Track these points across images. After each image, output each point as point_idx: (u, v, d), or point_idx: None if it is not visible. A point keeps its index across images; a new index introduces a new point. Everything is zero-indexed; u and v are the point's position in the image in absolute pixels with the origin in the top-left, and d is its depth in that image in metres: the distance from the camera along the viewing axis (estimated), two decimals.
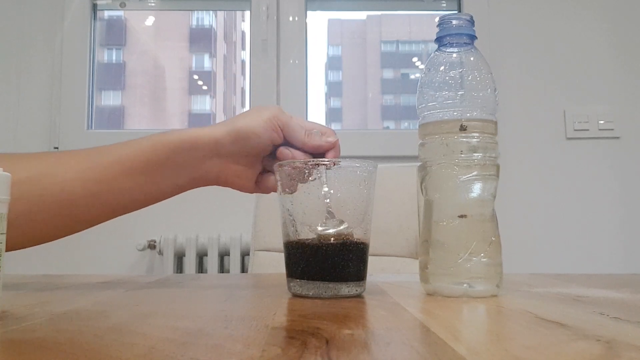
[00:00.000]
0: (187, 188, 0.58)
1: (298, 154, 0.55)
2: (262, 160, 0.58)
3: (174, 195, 0.59)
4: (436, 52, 0.51)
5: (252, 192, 0.60)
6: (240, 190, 0.59)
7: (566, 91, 1.80)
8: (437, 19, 0.51)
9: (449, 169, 0.47)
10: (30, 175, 0.53)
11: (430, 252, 0.48)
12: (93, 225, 0.59)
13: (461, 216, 0.47)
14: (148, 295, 0.50)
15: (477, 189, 0.47)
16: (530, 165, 1.77)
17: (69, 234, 0.58)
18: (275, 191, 0.52)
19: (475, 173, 0.47)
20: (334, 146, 0.55)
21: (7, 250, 0.52)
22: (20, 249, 0.55)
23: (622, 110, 1.78)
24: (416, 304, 0.44)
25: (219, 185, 0.59)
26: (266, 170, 0.58)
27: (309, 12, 1.88)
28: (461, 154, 0.47)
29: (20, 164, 0.54)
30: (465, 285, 0.46)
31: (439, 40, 0.51)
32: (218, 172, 0.56)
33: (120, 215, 0.59)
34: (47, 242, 0.58)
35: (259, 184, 0.58)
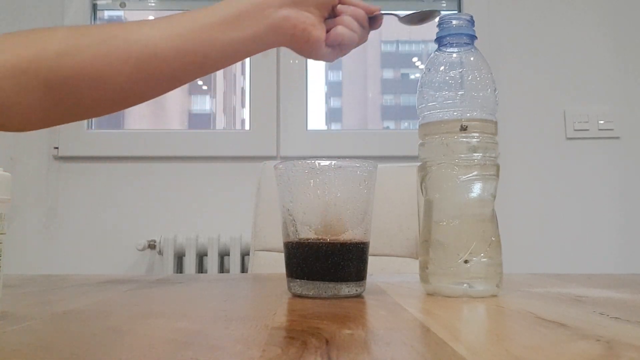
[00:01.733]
0: (268, 41, 0.59)
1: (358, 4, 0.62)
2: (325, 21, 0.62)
3: (255, 51, 0.60)
4: (436, 52, 0.51)
5: (324, 50, 0.62)
6: (315, 48, 0.61)
7: (566, 91, 1.80)
8: (437, 19, 0.51)
9: (449, 169, 0.47)
10: (114, 34, 0.55)
11: (430, 252, 0.48)
12: (176, 86, 0.60)
13: (466, 262, 0.46)
14: (148, 295, 0.50)
15: (477, 189, 0.47)
16: (530, 165, 1.77)
17: (155, 95, 0.60)
18: (343, 40, 0.60)
19: (475, 173, 0.47)
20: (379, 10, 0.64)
21: (106, 113, 0.60)
22: (114, 111, 0.60)
23: (622, 110, 1.78)
24: (416, 304, 0.44)
25: (295, 39, 0.60)
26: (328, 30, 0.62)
27: None
28: (461, 154, 0.47)
29: (102, 27, 0.57)
30: (465, 285, 0.46)
31: (439, 40, 0.51)
32: (295, 20, 0.58)
33: (202, 75, 0.61)
34: (137, 102, 0.60)
35: (327, 40, 0.62)
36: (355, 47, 0.64)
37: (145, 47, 0.55)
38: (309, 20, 0.59)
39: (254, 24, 0.58)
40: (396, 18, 0.64)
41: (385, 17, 0.64)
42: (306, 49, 0.61)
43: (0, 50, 0.53)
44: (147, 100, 0.60)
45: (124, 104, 0.59)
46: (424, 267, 0.49)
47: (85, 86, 0.54)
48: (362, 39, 0.64)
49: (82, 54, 0.53)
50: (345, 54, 0.64)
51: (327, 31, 0.61)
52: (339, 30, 0.61)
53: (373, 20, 0.64)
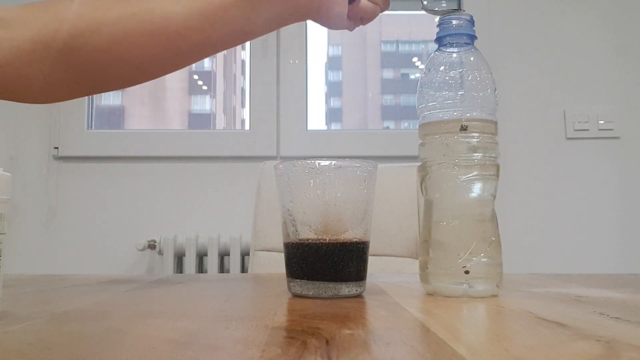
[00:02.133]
0: (291, 18, 0.59)
1: None
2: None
3: (278, 27, 0.60)
4: (436, 52, 0.51)
5: (346, 23, 0.62)
6: (337, 21, 0.61)
7: (566, 91, 1.80)
8: (437, 19, 0.51)
9: (449, 169, 0.47)
10: (136, 9, 0.54)
11: (430, 252, 0.48)
12: (199, 59, 0.60)
13: (466, 272, 0.46)
14: (148, 295, 0.50)
15: (477, 189, 0.47)
16: (530, 165, 1.77)
17: (177, 69, 0.60)
18: (366, 13, 0.61)
19: (475, 173, 0.47)
20: None
21: (127, 86, 0.59)
22: (134, 84, 0.59)
23: (622, 110, 1.78)
24: (416, 304, 0.44)
25: (319, 14, 0.60)
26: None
27: None
28: (461, 154, 0.47)
29: (125, 1, 0.56)
30: (465, 285, 0.46)
31: (439, 40, 0.51)
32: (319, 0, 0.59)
33: (226, 49, 0.60)
34: (157, 76, 0.60)
35: (350, 13, 0.62)
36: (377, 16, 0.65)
37: (168, 25, 0.54)
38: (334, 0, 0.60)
39: (278, 1, 0.58)
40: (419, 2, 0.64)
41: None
42: (327, 22, 0.62)
43: (18, 23, 0.52)
44: (167, 74, 0.60)
45: (145, 78, 0.59)
46: (424, 267, 0.49)
47: (107, 64, 0.54)
48: (384, 8, 0.65)
49: (102, 33, 0.53)
50: (365, 24, 0.65)
51: (350, 2, 0.61)
52: (362, 4, 0.62)
53: None
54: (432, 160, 0.49)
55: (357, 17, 0.62)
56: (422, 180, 0.50)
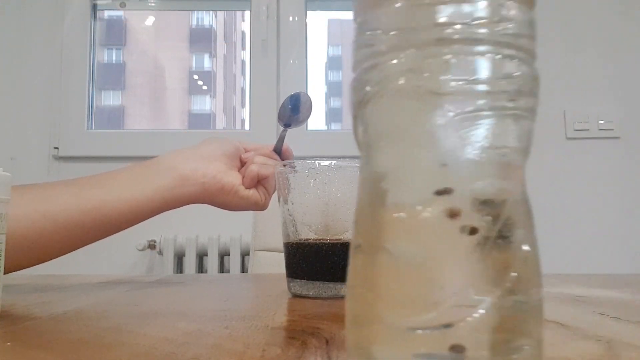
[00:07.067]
0: (178, 193, 0.59)
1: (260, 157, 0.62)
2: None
3: (166, 204, 0.59)
4: None
5: (245, 195, 0.61)
6: (232, 193, 0.60)
7: (566, 91, 1.80)
8: None
9: (422, 93, 0.19)
10: (32, 208, 0.54)
11: (371, 284, 0.19)
12: (101, 238, 0.61)
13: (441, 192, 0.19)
14: (148, 295, 0.50)
15: (480, 136, 0.20)
16: (530, 165, 1.76)
17: (76, 249, 0.60)
18: (259, 171, 0.60)
19: (482, 102, 0.19)
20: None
21: (7, 272, 0.53)
22: (19, 269, 0.56)
23: (622, 110, 1.78)
24: None
25: (207, 187, 0.59)
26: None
27: (309, 12, 1.87)
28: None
29: (27, 194, 0.54)
30: None
31: None
32: (204, 170, 0.59)
33: (122, 229, 0.61)
34: (42, 263, 0.58)
35: (244, 182, 0.62)
36: None
37: (56, 218, 0.54)
38: (219, 169, 0.59)
39: (161, 177, 0.58)
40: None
41: None
42: (222, 196, 0.60)
43: None
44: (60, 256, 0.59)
45: (35, 263, 0.57)
46: (360, 319, 0.19)
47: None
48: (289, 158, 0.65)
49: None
50: (273, 192, 0.63)
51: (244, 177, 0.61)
52: (251, 167, 0.60)
53: (283, 154, 0.65)
54: (386, 76, 0.19)
55: (254, 182, 0.61)
56: (361, 117, 0.20)
